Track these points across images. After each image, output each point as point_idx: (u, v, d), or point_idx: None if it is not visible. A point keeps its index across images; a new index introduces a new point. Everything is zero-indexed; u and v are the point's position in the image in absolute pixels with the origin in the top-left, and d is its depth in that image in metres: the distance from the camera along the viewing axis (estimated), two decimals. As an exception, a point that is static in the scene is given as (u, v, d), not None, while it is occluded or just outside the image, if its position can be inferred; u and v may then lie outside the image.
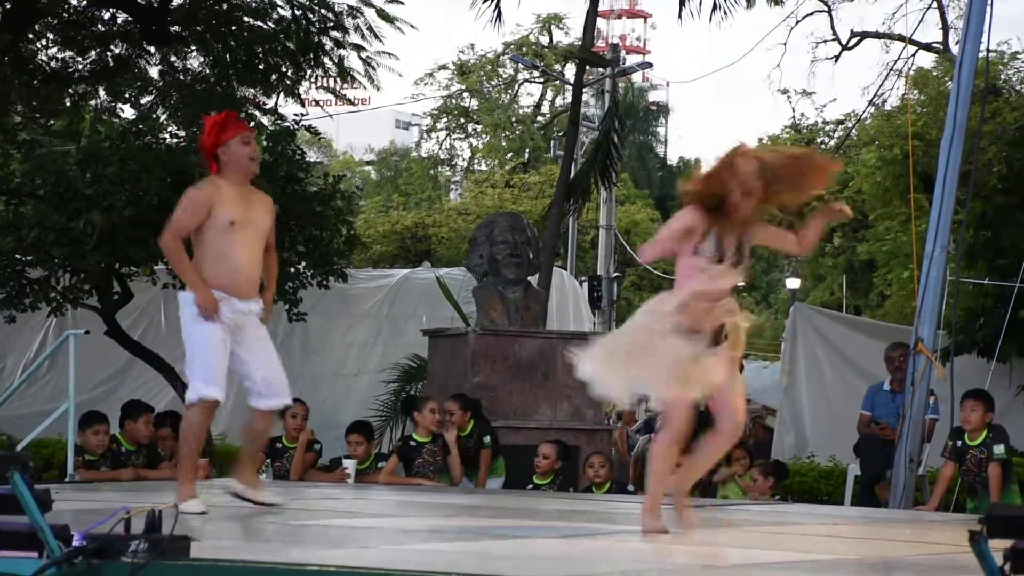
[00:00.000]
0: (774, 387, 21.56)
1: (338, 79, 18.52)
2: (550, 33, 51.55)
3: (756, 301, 51.65)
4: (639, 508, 7.31)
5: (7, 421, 17.19)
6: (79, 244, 14.40)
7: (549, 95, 53.34)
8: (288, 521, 7.83)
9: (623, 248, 37.04)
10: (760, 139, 42.58)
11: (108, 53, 17.82)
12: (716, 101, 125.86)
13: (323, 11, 17.60)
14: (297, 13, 17.45)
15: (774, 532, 8.07)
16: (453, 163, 56.83)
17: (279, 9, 17.52)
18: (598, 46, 38.73)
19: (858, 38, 34.78)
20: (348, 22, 17.79)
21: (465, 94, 52.88)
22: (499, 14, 19.39)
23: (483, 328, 14.43)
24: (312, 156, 18.39)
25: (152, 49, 17.84)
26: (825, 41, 35.53)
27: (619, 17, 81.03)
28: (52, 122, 18.01)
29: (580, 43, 21.81)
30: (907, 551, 7.11)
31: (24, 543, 5.06)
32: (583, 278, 32.18)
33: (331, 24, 17.66)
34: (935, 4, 30.51)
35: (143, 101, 17.25)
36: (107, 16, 17.80)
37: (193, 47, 17.81)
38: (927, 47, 31.96)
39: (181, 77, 17.54)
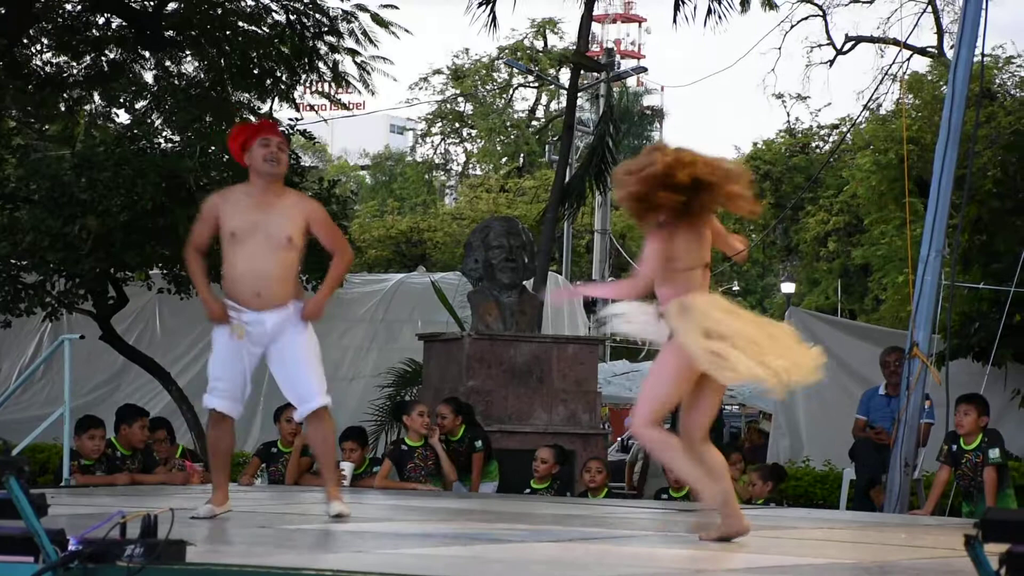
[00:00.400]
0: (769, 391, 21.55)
1: (333, 84, 18.52)
2: (545, 37, 51.57)
3: (751, 305, 51.65)
4: (634, 513, 7.30)
5: (3, 426, 17.21)
6: (74, 249, 14.40)
7: (544, 99, 53.37)
8: (283, 525, 7.82)
9: (618, 252, 37.07)
10: (755, 143, 42.64)
11: (103, 58, 17.82)
12: (711, 106, 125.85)
13: (318, 16, 17.60)
14: (292, 18, 17.45)
15: (769, 536, 8.06)
16: (448, 168, 56.86)
17: (273, 14, 17.53)
18: (593, 50, 38.75)
19: (853, 42, 34.87)
20: (343, 27, 17.79)
21: (460, 98, 52.88)
22: (494, 18, 19.42)
23: (478, 332, 14.44)
24: (307, 160, 18.43)
25: (147, 54, 17.85)
26: (820, 46, 35.63)
27: (614, 21, 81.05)
28: (47, 127, 18.01)
29: (575, 47, 21.81)
30: (902, 555, 7.11)
31: (20, 548, 5.06)
32: (578, 282, 32.19)
33: (326, 29, 17.66)
34: (930, 8, 30.57)
35: (138, 106, 17.23)
36: (102, 21, 17.81)
37: (188, 52, 17.81)
38: (922, 51, 32.02)
39: (176, 82, 17.53)
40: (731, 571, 5.98)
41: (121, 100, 17.32)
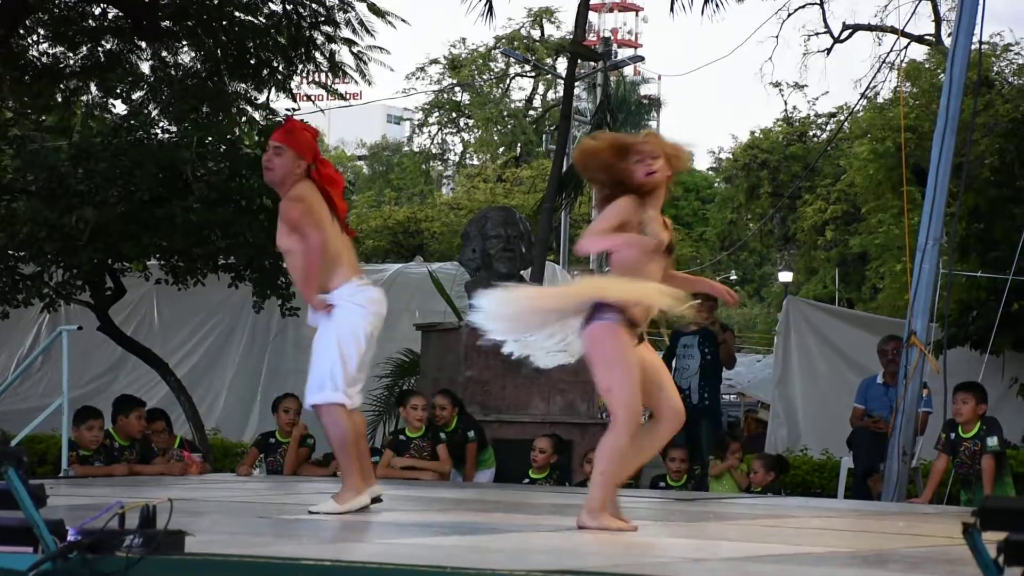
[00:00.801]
0: (767, 380, 21.58)
1: (329, 73, 18.49)
2: (541, 27, 51.55)
3: (749, 295, 51.68)
4: (632, 502, 7.30)
5: (1, 417, 17.22)
6: (71, 240, 14.39)
7: (541, 89, 53.35)
8: (282, 516, 7.82)
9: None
10: (752, 132, 42.65)
11: (99, 48, 17.77)
12: (708, 94, 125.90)
13: (314, 6, 17.56)
14: (288, 8, 17.41)
15: (767, 525, 8.07)
16: (445, 158, 56.85)
17: (270, 4, 17.48)
18: (590, 40, 38.71)
19: (850, 31, 34.82)
20: (339, 16, 17.74)
21: (457, 88, 52.86)
22: (490, 8, 19.40)
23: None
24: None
25: (143, 44, 17.80)
26: (817, 34, 35.59)
27: (611, 10, 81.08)
28: (43, 118, 17.96)
29: (571, 37, 21.81)
30: (900, 544, 7.11)
31: (19, 538, 5.06)
32: (575, 272, 32.16)
33: (322, 19, 17.63)
34: (927, -4, 30.54)
35: (134, 96, 17.19)
36: (98, 11, 17.76)
37: (184, 42, 17.76)
38: (919, 39, 31.98)
39: (172, 72, 17.49)
40: (730, 560, 5.98)
41: (118, 91, 17.29)
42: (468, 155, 55.87)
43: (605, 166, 7.03)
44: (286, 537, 6.52)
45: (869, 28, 34.63)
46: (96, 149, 14.72)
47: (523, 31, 51.14)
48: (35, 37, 18.06)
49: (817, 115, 41.70)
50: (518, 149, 51.65)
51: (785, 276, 41.81)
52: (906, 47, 29.99)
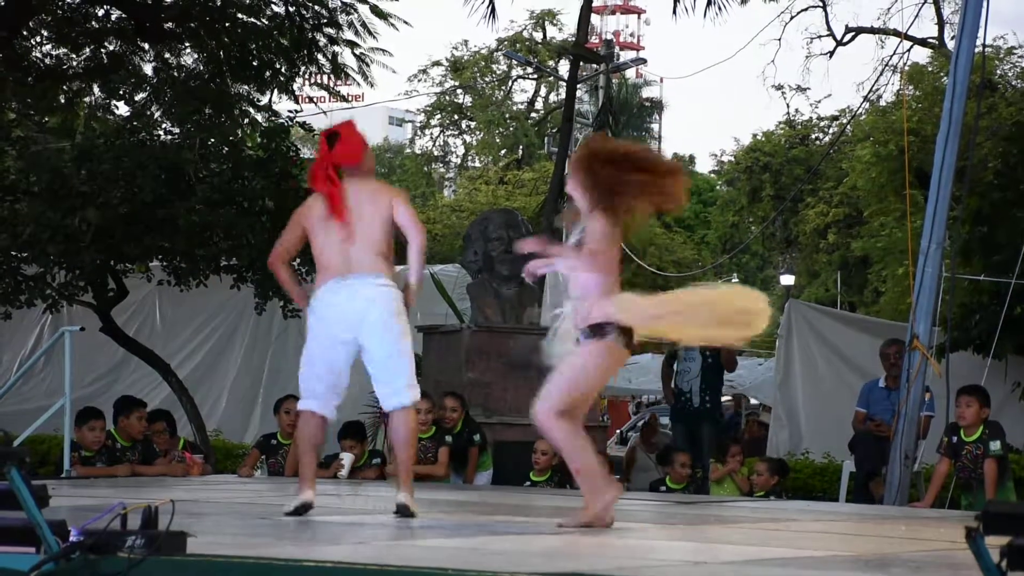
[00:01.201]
0: (769, 383, 21.57)
1: (332, 75, 18.51)
2: (544, 29, 51.57)
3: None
4: (632, 505, 7.30)
5: (3, 417, 17.20)
6: (74, 241, 14.39)
7: (543, 91, 53.39)
8: (284, 517, 7.82)
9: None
10: (754, 135, 42.66)
11: (102, 50, 17.78)
12: (710, 97, 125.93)
13: (317, 7, 17.58)
14: (291, 9, 17.42)
15: (769, 528, 8.07)
16: (447, 160, 56.87)
17: (273, 6, 17.50)
18: (592, 42, 38.76)
19: (853, 33, 34.83)
20: (342, 18, 17.77)
21: (459, 90, 52.87)
22: (492, 10, 19.46)
23: (477, 325, 14.43)
24: (306, 152, 18.38)
25: (146, 46, 17.81)
26: (820, 37, 35.60)
27: (613, 13, 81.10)
28: (46, 119, 17.97)
29: (574, 39, 21.82)
30: (902, 548, 7.11)
31: (21, 539, 5.06)
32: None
33: (325, 20, 17.64)
34: (930, -1, 30.54)
35: (137, 98, 17.22)
36: (101, 13, 17.77)
37: (187, 44, 17.78)
38: (922, 42, 31.99)
39: (175, 74, 17.52)
40: (730, 563, 5.98)
41: (121, 92, 17.31)
42: (470, 157, 55.88)
43: (609, 176, 7.07)
44: (287, 539, 6.52)
45: (872, 31, 34.65)
46: (99, 150, 14.73)
47: (525, 33, 51.16)
48: (38, 38, 18.08)
49: (819, 118, 41.74)
50: (520, 151, 51.66)
51: (787, 279, 41.79)
52: (909, 50, 30.06)
